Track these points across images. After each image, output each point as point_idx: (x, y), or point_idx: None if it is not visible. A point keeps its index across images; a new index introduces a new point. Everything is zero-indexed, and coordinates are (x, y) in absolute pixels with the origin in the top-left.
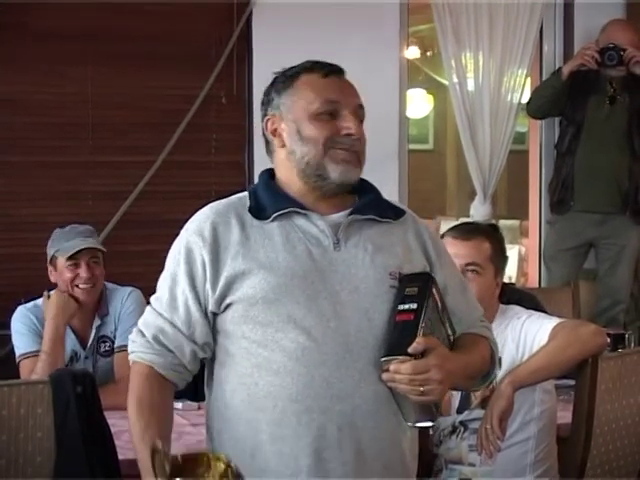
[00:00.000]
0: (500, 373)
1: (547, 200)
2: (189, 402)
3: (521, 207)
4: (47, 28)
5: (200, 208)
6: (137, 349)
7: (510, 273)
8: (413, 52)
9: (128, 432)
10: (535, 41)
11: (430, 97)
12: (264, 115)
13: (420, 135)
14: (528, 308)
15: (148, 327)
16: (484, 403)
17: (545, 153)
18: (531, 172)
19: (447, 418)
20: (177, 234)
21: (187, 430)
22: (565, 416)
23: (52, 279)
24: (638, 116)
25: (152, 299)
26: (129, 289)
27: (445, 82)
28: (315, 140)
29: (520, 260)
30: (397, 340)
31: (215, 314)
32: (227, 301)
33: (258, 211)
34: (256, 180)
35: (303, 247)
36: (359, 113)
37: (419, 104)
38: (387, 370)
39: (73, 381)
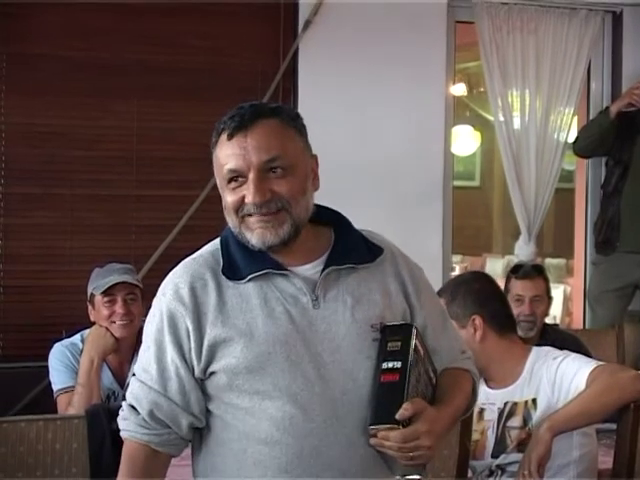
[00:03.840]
0: (536, 415)
1: (592, 240)
2: None
3: (568, 245)
4: (93, 61)
5: None
6: (131, 428)
7: (555, 312)
8: (460, 89)
9: None
10: (582, 79)
11: (477, 134)
12: None
13: (467, 172)
14: (571, 349)
15: (140, 402)
16: (521, 447)
17: (591, 192)
18: (577, 211)
19: (483, 462)
20: None
21: None
22: (607, 461)
23: (92, 318)
24: None
25: (137, 370)
26: None
27: (492, 119)
28: (229, 210)
29: (565, 299)
30: (383, 404)
31: (202, 379)
32: (211, 369)
33: (232, 272)
34: None
35: (281, 308)
36: (270, 167)
37: (466, 141)
38: (375, 436)
39: (108, 416)
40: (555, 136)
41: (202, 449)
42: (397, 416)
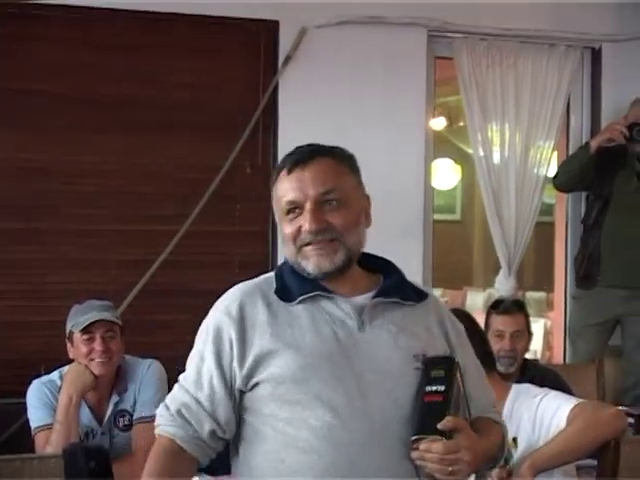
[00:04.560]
0: (517, 453)
1: (573, 274)
2: (207, 477)
3: (548, 279)
4: (76, 96)
5: (223, 278)
6: (162, 422)
7: (536, 346)
8: (440, 123)
9: None
10: (562, 114)
11: (458, 167)
12: None
13: (447, 205)
14: (551, 385)
15: (174, 402)
16: None
17: (571, 226)
18: (557, 245)
19: None
20: (200, 304)
21: None
22: None
23: (70, 355)
24: None
25: (180, 377)
26: (149, 361)
27: (472, 152)
28: (287, 240)
29: (545, 333)
30: (426, 420)
31: (242, 392)
32: (255, 380)
33: (284, 293)
34: (279, 251)
35: (329, 329)
36: (326, 199)
37: (447, 174)
38: (416, 449)
39: (86, 456)
40: (535, 171)
41: (238, 461)
42: (440, 426)
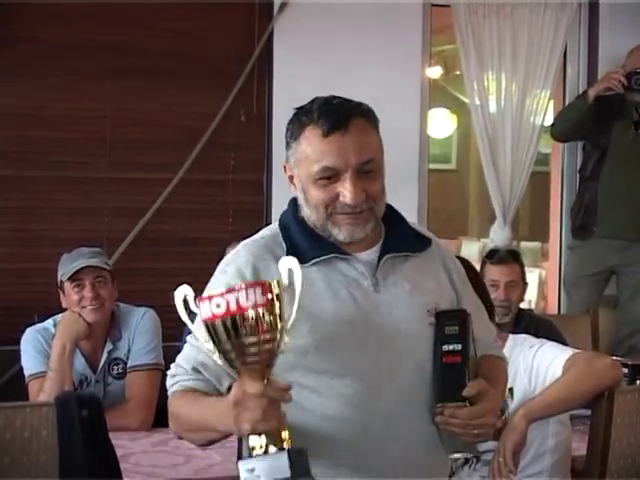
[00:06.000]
0: (513, 404)
1: (568, 224)
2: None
3: (543, 229)
4: (65, 42)
5: (217, 227)
6: (179, 380)
7: (530, 297)
8: (437, 72)
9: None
10: (559, 63)
11: (454, 117)
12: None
13: (443, 155)
14: (546, 336)
15: (189, 361)
16: (497, 435)
17: (567, 176)
18: (552, 195)
19: None
20: (194, 252)
21: (196, 454)
22: (581, 447)
23: (63, 304)
24: None
25: (189, 338)
26: (143, 310)
27: (469, 102)
28: (316, 205)
29: (540, 284)
30: (448, 384)
31: None
32: None
33: (296, 255)
34: (274, 201)
35: (345, 291)
36: (366, 169)
37: (442, 124)
38: (441, 413)
39: (79, 404)
40: (531, 120)
41: None
42: (464, 393)
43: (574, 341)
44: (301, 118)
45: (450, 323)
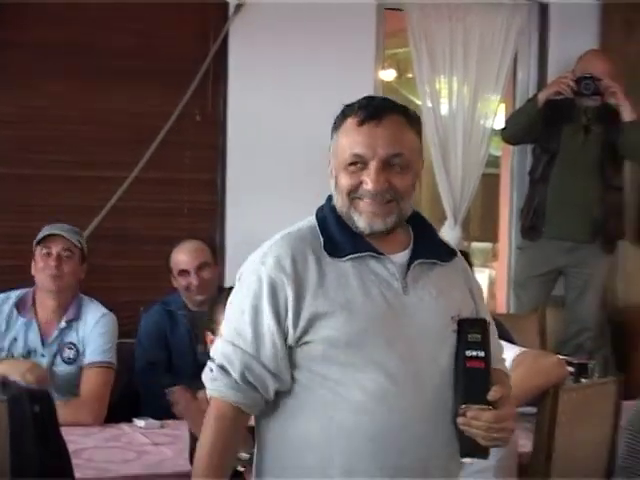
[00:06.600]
0: None
1: (517, 225)
2: (152, 420)
3: (494, 230)
4: (20, 41)
5: (171, 225)
6: (222, 389)
7: None
8: (390, 74)
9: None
10: (509, 67)
11: None
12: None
13: None
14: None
15: (233, 364)
16: None
17: (517, 178)
18: (502, 196)
19: None
20: (148, 250)
21: (148, 449)
22: (527, 444)
23: (32, 271)
24: (611, 146)
25: (229, 333)
26: (105, 310)
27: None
28: (341, 190)
29: (490, 283)
30: (471, 387)
31: (291, 347)
32: (306, 339)
33: (332, 249)
34: (228, 200)
35: (377, 290)
36: (393, 162)
37: None
38: (463, 415)
39: (30, 400)
40: (482, 122)
41: (280, 414)
42: (489, 397)
43: (522, 340)
44: (345, 111)
45: (473, 331)
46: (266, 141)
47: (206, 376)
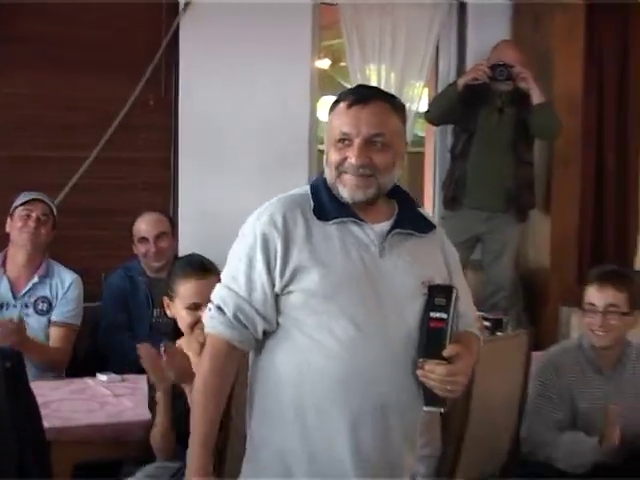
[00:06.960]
0: None
1: (441, 197)
2: (113, 375)
3: (420, 202)
4: None
5: (129, 199)
6: (218, 326)
7: None
8: (325, 63)
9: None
10: (432, 56)
11: None
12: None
13: None
14: None
15: (227, 305)
16: None
17: (439, 156)
18: (426, 172)
19: None
20: (108, 221)
21: (109, 400)
22: None
23: (7, 228)
24: (523, 126)
25: (226, 278)
26: (75, 275)
27: None
28: (330, 164)
29: None
30: (431, 344)
31: (277, 295)
32: (290, 288)
33: (321, 212)
34: (180, 176)
35: (356, 253)
36: (375, 140)
37: None
38: (422, 368)
39: (1, 357)
40: (408, 106)
41: (265, 352)
42: (445, 353)
43: None
44: (338, 97)
45: (440, 296)
46: (213, 123)
47: (205, 315)
